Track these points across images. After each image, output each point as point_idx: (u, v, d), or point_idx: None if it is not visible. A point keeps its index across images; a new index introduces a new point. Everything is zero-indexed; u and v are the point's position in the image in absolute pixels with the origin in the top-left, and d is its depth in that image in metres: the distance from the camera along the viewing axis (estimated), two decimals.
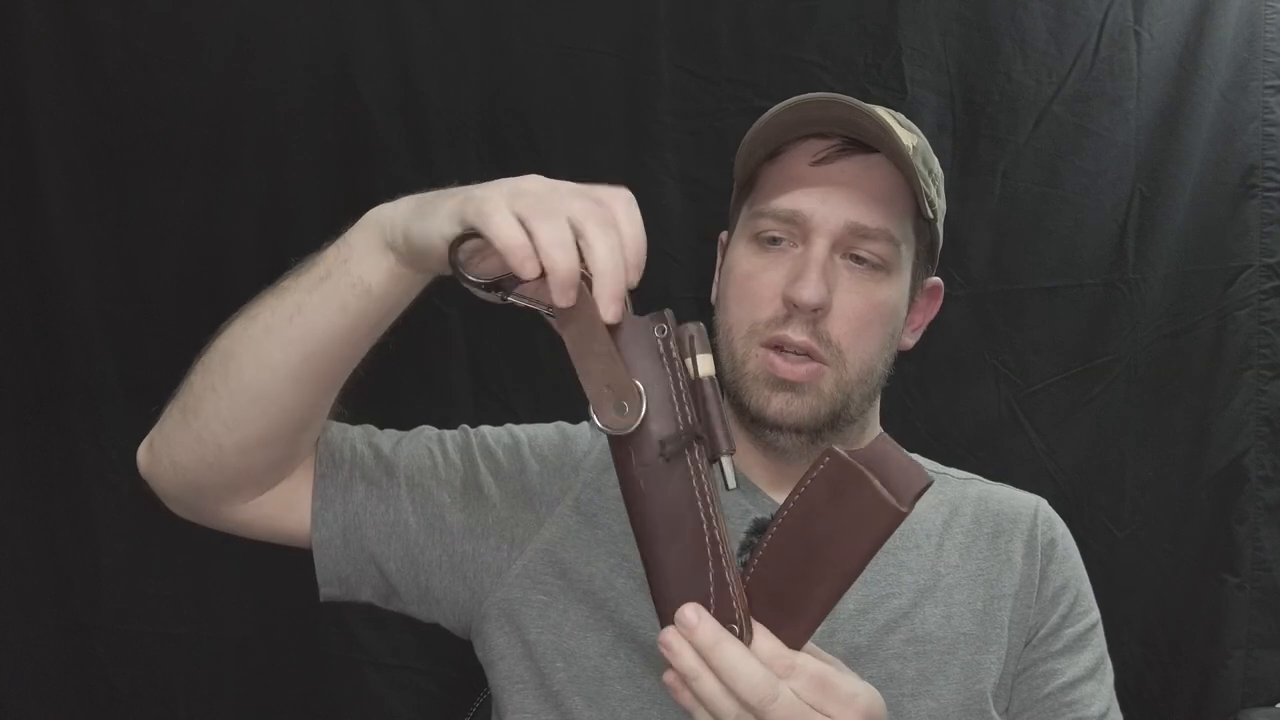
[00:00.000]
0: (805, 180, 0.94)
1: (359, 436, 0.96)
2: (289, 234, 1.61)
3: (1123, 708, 1.01)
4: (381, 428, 0.99)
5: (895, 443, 0.76)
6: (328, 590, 0.95)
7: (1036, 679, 0.97)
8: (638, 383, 0.70)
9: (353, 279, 0.80)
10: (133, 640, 1.63)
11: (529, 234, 0.69)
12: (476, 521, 0.95)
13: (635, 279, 0.70)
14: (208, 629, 1.64)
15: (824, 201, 0.93)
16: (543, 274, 0.69)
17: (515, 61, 1.61)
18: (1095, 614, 1.02)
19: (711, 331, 1.00)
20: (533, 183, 0.73)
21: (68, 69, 1.61)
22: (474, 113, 1.62)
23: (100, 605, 1.63)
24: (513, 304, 0.72)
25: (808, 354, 0.92)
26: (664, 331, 0.71)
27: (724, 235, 1.05)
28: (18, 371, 1.63)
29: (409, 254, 0.78)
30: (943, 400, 1.60)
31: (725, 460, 0.72)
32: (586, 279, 0.69)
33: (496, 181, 0.73)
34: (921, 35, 1.58)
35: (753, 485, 0.99)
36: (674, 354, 0.71)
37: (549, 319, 0.71)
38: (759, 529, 0.90)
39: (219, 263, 1.62)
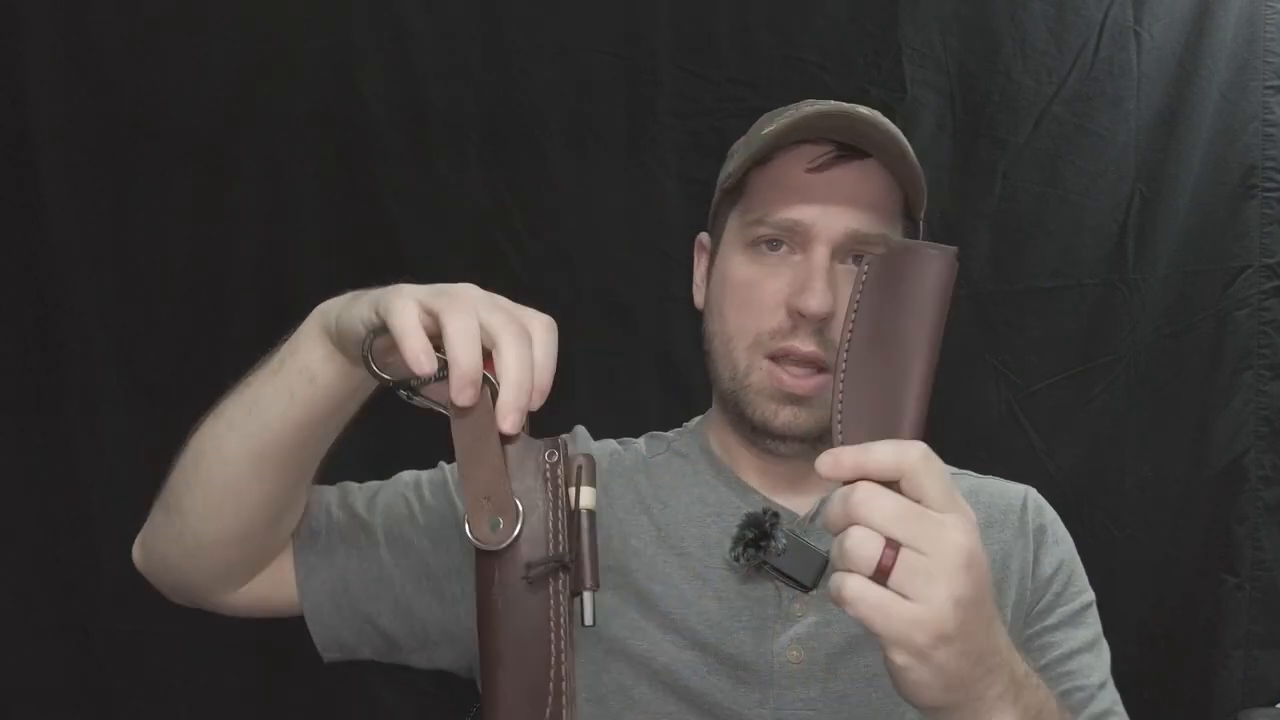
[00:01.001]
0: (803, 189, 0.94)
1: (334, 500, 0.97)
2: (289, 234, 1.61)
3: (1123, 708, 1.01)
4: (391, 449, 0.99)
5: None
6: (329, 655, 0.97)
7: (1033, 651, 0.97)
8: (517, 502, 0.69)
9: (300, 365, 0.80)
10: (133, 640, 1.63)
11: (442, 327, 0.68)
12: (461, 560, 0.95)
13: (539, 402, 0.68)
14: (208, 629, 1.63)
15: (824, 211, 0.93)
16: (443, 375, 0.68)
17: (515, 61, 1.61)
18: (1090, 595, 1.03)
19: (703, 339, 1.00)
20: (464, 288, 0.72)
21: (68, 69, 1.61)
22: (474, 113, 1.62)
23: (100, 605, 1.63)
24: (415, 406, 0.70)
25: (813, 364, 0.93)
26: (554, 457, 0.70)
27: (703, 236, 1.05)
28: (18, 372, 1.63)
29: (340, 341, 0.78)
30: (943, 400, 1.59)
31: (587, 595, 0.69)
32: (491, 387, 0.68)
33: (435, 285, 0.72)
34: (921, 35, 1.57)
35: (744, 484, 1.00)
36: (559, 481, 0.70)
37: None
38: (751, 523, 0.90)
39: (219, 263, 1.62)
